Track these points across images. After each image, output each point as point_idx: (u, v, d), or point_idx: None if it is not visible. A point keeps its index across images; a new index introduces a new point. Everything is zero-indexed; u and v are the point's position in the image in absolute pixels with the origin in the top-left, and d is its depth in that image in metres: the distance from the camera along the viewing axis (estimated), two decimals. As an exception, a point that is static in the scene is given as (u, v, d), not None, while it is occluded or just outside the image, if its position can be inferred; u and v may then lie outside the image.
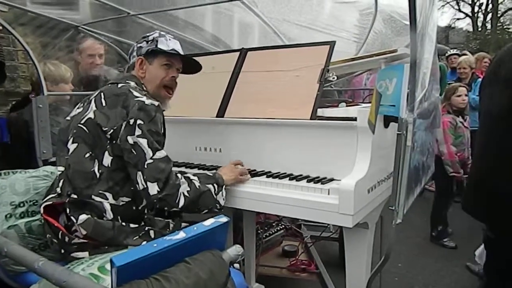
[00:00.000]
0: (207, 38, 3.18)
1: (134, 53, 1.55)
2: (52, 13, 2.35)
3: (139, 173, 1.29)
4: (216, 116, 1.77)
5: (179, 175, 1.36)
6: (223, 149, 1.76)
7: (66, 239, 1.30)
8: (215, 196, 1.40)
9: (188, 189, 1.34)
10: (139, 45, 1.55)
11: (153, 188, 1.28)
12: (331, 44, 1.67)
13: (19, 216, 1.44)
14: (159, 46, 1.51)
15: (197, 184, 1.37)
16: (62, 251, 1.33)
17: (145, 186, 1.28)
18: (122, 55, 2.89)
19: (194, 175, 1.42)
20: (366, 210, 1.36)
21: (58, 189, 1.40)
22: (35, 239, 1.44)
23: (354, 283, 1.46)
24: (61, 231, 1.31)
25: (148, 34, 1.56)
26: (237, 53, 1.92)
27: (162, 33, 1.56)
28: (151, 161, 1.29)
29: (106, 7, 2.44)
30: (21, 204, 1.46)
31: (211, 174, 1.46)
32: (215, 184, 1.42)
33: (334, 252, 2.82)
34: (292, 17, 2.72)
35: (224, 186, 1.45)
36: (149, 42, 1.52)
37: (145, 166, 1.28)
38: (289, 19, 2.75)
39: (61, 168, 1.41)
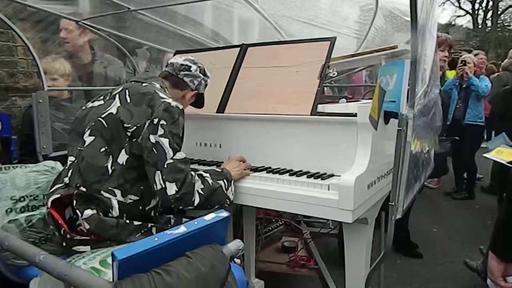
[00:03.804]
0: (207, 34, 3.17)
1: (193, 79, 1.59)
2: (52, 8, 2.34)
3: (158, 172, 1.29)
4: (217, 112, 1.78)
5: (192, 173, 1.36)
6: (223, 144, 1.76)
7: (68, 236, 1.30)
8: (225, 192, 1.41)
9: (202, 186, 1.35)
10: (203, 80, 1.62)
11: (172, 188, 1.29)
12: (332, 40, 1.67)
13: (20, 211, 1.45)
14: (202, 91, 1.66)
15: (210, 181, 1.38)
16: (64, 244, 1.33)
17: (163, 186, 1.29)
18: (121, 50, 2.88)
19: (204, 171, 1.43)
20: (366, 206, 1.37)
21: (66, 179, 1.39)
22: (35, 233, 1.44)
23: (354, 279, 1.47)
24: (63, 228, 1.31)
25: (208, 74, 1.65)
26: (237, 49, 1.92)
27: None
28: (171, 161, 1.30)
29: (106, 2, 2.43)
30: (22, 199, 1.46)
31: (219, 170, 1.47)
32: (225, 180, 1.42)
33: (334, 248, 2.82)
34: (292, 13, 2.71)
35: (232, 181, 1.46)
36: (206, 86, 1.66)
37: (165, 166, 1.29)
38: (290, 15, 2.73)
39: (72, 158, 1.41)
